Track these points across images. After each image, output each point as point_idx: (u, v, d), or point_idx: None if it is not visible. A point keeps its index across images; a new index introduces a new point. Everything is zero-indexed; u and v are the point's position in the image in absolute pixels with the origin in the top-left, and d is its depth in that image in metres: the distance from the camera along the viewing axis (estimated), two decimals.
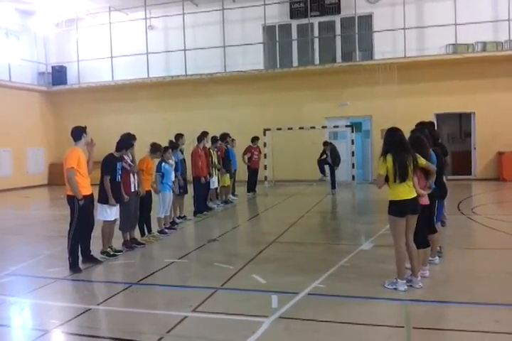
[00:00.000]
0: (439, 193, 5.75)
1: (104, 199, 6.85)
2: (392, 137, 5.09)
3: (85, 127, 6.57)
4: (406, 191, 5.05)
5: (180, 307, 4.83)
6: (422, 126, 6.16)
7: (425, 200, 5.37)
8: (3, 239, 8.93)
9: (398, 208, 5.06)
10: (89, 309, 4.90)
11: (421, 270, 5.40)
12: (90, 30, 20.02)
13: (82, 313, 4.76)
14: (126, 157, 7.39)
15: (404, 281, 5.13)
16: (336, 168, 14.50)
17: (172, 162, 9.00)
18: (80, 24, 19.81)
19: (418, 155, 5.12)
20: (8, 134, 18.07)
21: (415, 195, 5.11)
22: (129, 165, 7.40)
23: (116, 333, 4.27)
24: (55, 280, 5.94)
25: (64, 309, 5.01)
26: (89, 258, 6.67)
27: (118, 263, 6.83)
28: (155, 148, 8.27)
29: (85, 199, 6.31)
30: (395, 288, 5.09)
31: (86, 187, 6.39)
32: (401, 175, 4.96)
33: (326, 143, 14.77)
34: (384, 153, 5.06)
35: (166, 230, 8.72)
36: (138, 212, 7.81)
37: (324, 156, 14.46)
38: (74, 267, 6.32)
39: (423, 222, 5.35)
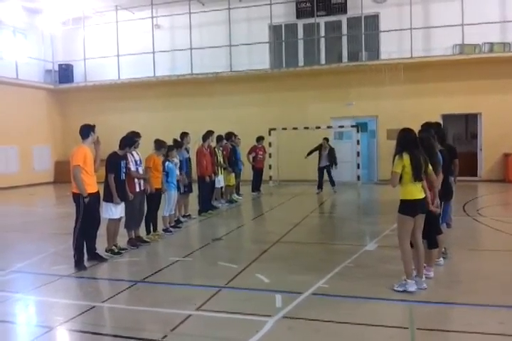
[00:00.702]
0: (444, 194, 5.73)
1: (108, 198, 6.87)
2: (407, 137, 5.11)
3: (94, 125, 6.59)
4: (418, 190, 5.09)
5: (184, 305, 4.84)
6: (427, 126, 6.14)
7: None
8: (9, 236, 8.98)
9: (410, 207, 5.08)
10: (94, 306, 4.92)
11: (426, 271, 5.39)
12: (97, 28, 20.09)
13: (86, 311, 4.78)
14: (130, 156, 7.38)
15: (414, 281, 5.09)
16: (335, 168, 14.55)
17: (176, 160, 9.03)
18: (86, 23, 19.89)
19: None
20: (15, 132, 18.17)
21: (424, 195, 5.14)
22: (136, 164, 7.43)
23: (121, 331, 4.28)
24: (59, 278, 5.97)
25: (68, 306, 5.03)
26: (94, 256, 6.70)
27: (123, 261, 6.85)
28: (159, 145, 8.27)
29: (91, 197, 6.34)
30: (404, 290, 5.04)
31: (92, 185, 6.42)
32: (418, 175, 5.01)
33: (326, 139, 14.81)
34: (399, 152, 5.06)
35: (171, 229, 8.74)
36: (144, 210, 7.83)
37: (318, 156, 14.46)
38: (79, 265, 6.34)
39: (433, 223, 5.36)
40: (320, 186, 14.54)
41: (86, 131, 6.50)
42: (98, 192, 6.60)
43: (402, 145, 5.10)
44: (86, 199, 6.25)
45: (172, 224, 8.93)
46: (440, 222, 5.77)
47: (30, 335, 4.34)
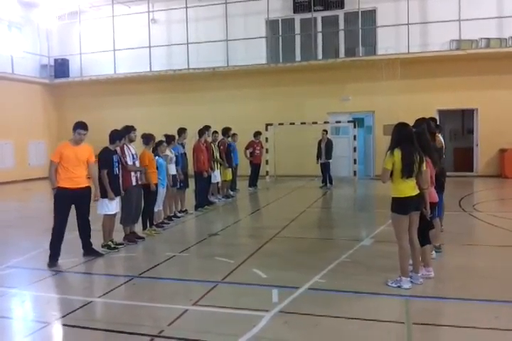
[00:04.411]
0: (438, 188, 5.74)
1: (103, 194, 6.82)
2: (401, 132, 4.99)
3: (84, 123, 6.47)
4: (410, 187, 4.99)
5: (181, 300, 4.85)
6: (423, 121, 6.13)
7: (435, 198, 5.39)
8: (5, 232, 8.97)
9: (402, 205, 4.99)
10: (90, 301, 4.92)
11: (426, 271, 5.33)
12: (93, 23, 19.98)
13: (83, 306, 4.78)
14: (127, 150, 7.35)
15: (409, 279, 5.07)
16: (330, 162, 14.62)
17: (172, 155, 8.99)
18: (82, 17, 19.78)
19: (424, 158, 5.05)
20: (10, 127, 18.10)
21: (418, 191, 5.05)
22: (132, 158, 7.40)
23: (117, 326, 4.28)
24: (55, 273, 5.97)
25: (65, 301, 5.03)
26: (91, 251, 6.69)
27: (119, 256, 6.85)
28: (147, 139, 8.16)
29: (61, 191, 6.26)
30: (398, 286, 5.03)
31: (69, 180, 6.30)
32: (408, 171, 4.89)
33: (325, 131, 14.90)
34: (392, 148, 4.97)
35: (162, 224, 8.73)
36: (141, 206, 7.80)
37: (318, 149, 14.61)
38: (50, 260, 6.23)
39: (425, 219, 5.30)
40: (324, 180, 14.62)
41: (74, 127, 6.41)
42: (86, 187, 6.50)
43: (395, 140, 4.98)
44: (54, 191, 6.30)
45: (160, 221, 8.89)
46: (435, 215, 5.74)
47: (26, 330, 4.33)
